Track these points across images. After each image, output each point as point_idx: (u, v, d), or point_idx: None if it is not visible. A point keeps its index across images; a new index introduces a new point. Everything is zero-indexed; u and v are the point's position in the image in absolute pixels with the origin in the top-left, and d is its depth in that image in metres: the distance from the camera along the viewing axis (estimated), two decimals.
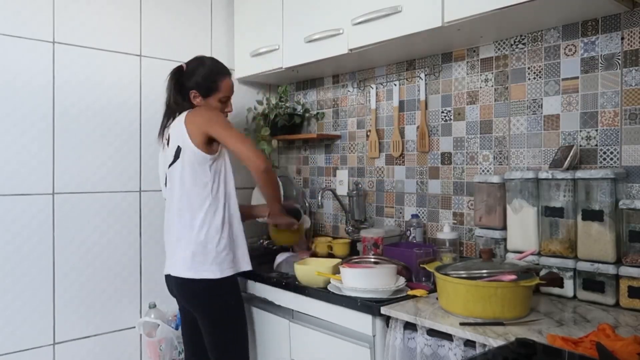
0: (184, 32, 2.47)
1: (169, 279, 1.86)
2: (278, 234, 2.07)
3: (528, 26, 1.75)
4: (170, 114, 1.92)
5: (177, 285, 1.83)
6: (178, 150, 1.79)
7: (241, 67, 2.56)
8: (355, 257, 1.84)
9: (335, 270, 1.75)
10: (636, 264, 1.43)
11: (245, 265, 1.87)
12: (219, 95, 1.91)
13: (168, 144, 1.86)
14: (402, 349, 1.46)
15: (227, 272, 1.79)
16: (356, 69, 2.42)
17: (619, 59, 1.60)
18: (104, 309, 2.22)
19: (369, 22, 1.89)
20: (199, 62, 1.92)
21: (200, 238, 1.76)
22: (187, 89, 1.89)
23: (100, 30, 2.21)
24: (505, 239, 1.74)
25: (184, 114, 1.82)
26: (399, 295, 1.59)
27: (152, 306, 2.29)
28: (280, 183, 2.06)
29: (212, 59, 1.97)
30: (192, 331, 1.93)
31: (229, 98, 1.96)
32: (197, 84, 1.88)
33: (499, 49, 1.91)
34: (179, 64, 1.97)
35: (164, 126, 1.93)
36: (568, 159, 1.60)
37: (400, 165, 2.26)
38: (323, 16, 2.10)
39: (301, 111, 2.67)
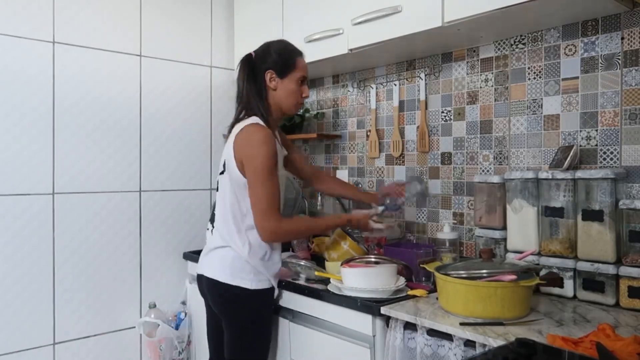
0: (184, 32, 2.48)
1: (201, 279, 1.79)
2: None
3: (528, 26, 1.75)
4: (242, 107, 1.75)
5: (210, 287, 1.75)
6: (225, 164, 1.73)
7: None
8: (356, 256, 1.84)
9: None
10: (636, 264, 1.43)
11: (276, 285, 1.80)
12: (297, 74, 1.74)
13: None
14: (402, 349, 1.46)
15: (262, 285, 1.72)
16: (356, 69, 2.42)
17: (619, 59, 1.60)
18: (104, 309, 2.22)
19: (369, 22, 1.89)
20: (269, 44, 1.77)
21: (243, 252, 1.68)
22: (262, 71, 1.72)
23: (100, 30, 2.21)
24: (505, 239, 1.74)
25: (241, 125, 1.69)
26: (399, 295, 1.59)
27: (152, 306, 2.29)
28: (303, 222, 1.89)
29: (282, 40, 1.83)
30: (218, 332, 1.83)
31: (306, 78, 1.78)
32: (273, 62, 1.72)
33: (499, 49, 1.91)
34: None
35: (234, 121, 1.77)
36: (568, 159, 1.60)
37: (400, 165, 2.27)
38: (323, 16, 2.10)
39: (301, 111, 2.67)
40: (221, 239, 1.72)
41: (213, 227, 1.78)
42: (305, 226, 1.80)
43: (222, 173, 1.75)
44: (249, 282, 1.68)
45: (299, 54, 1.78)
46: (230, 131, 1.76)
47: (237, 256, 1.68)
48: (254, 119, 1.69)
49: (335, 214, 1.82)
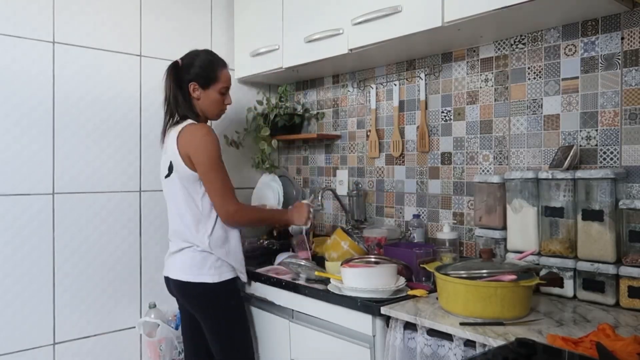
0: (184, 32, 2.47)
1: (168, 280, 1.89)
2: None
3: (528, 26, 1.75)
4: (170, 112, 1.89)
5: (177, 288, 1.86)
6: (171, 165, 1.82)
7: (241, 67, 2.56)
8: (356, 256, 1.84)
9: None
10: (636, 264, 1.43)
11: (242, 276, 1.91)
12: (219, 85, 1.88)
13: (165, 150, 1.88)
14: (402, 349, 1.46)
15: (226, 276, 1.82)
16: (356, 69, 2.42)
17: (619, 59, 1.60)
18: (104, 309, 2.22)
19: (369, 22, 1.89)
20: (195, 55, 1.90)
21: (200, 247, 1.79)
22: (186, 82, 1.86)
23: (100, 30, 2.21)
24: (505, 239, 1.74)
25: (179, 127, 1.81)
26: (399, 295, 1.59)
27: (152, 306, 2.29)
28: (260, 211, 2.06)
29: (207, 50, 1.95)
30: (193, 332, 1.94)
31: (228, 89, 1.93)
32: (196, 74, 1.85)
33: (499, 49, 1.91)
34: None
35: (165, 127, 1.92)
36: (568, 159, 1.60)
37: (400, 165, 2.26)
38: (323, 16, 2.10)
39: (301, 111, 2.67)
40: (181, 241, 1.83)
41: (172, 236, 1.90)
42: (259, 214, 1.98)
43: (167, 176, 1.85)
44: (210, 276, 1.79)
45: (222, 65, 1.91)
46: (164, 136, 1.89)
47: (197, 253, 1.79)
48: (188, 121, 1.83)
49: (283, 210, 2.02)
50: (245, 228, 2.12)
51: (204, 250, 1.78)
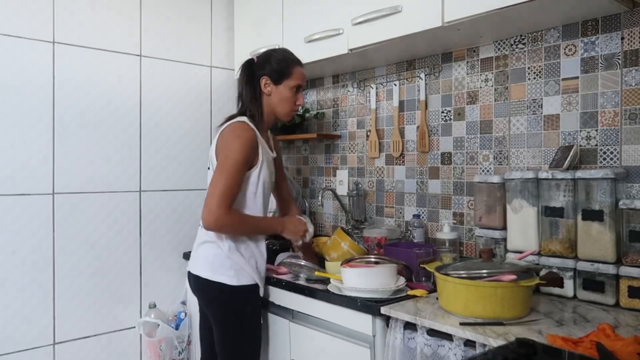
0: (184, 32, 2.48)
1: (190, 276, 1.83)
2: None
3: (528, 26, 1.75)
4: (241, 107, 1.83)
5: (195, 284, 1.80)
6: (210, 161, 1.79)
7: None
8: (356, 256, 1.84)
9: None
10: (636, 264, 1.43)
11: (261, 282, 1.81)
12: (291, 82, 1.80)
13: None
14: (402, 349, 1.46)
15: (245, 281, 1.74)
16: (356, 69, 2.42)
17: (619, 59, 1.60)
18: (104, 309, 2.22)
19: (369, 22, 1.89)
20: (271, 52, 1.85)
21: (224, 246, 1.72)
22: (257, 77, 1.80)
23: (100, 30, 2.21)
24: (505, 239, 1.74)
25: (229, 122, 1.76)
26: (399, 295, 1.59)
27: (152, 306, 2.29)
28: (248, 220, 1.79)
29: (284, 48, 1.92)
30: (208, 331, 1.87)
31: (301, 87, 1.85)
32: (270, 69, 1.79)
33: (499, 49, 1.91)
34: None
35: (225, 120, 1.83)
36: (568, 159, 1.60)
37: (400, 165, 2.26)
38: (323, 16, 2.10)
39: (301, 111, 2.67)
40: (206, 234, 1.76)
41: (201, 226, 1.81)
42: (247, 228, 1.75)
43: (210, 169, 1.81)
44: (229, 278, 1.72)
45: (297, 63, 1.85)
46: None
47: (219, 252, 1.73)
48: (241, 118, 1.76)
49: (278, 221, 1.85)
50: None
51: (229, 251, 1.72)
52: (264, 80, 1.80)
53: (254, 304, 1.79)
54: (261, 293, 1.82)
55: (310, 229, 1.89)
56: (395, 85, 2.26)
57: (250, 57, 1.86)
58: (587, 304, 1.50)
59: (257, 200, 1.76)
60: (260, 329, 1.83)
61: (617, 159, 1.61)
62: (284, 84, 1.80)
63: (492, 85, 1.93)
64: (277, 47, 2.30)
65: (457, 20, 1.64)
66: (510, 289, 1.34)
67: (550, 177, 1.59)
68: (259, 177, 1.74)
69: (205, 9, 2.55)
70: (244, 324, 1.76)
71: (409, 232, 2.10)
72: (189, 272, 1.84)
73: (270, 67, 1.80)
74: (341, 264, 1.73)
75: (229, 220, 1.65)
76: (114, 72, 2.25)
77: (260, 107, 1.81)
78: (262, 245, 1.81)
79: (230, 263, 1.72)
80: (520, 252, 1.61)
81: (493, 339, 1.21)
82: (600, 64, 1.64)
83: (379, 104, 2.35)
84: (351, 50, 2.00)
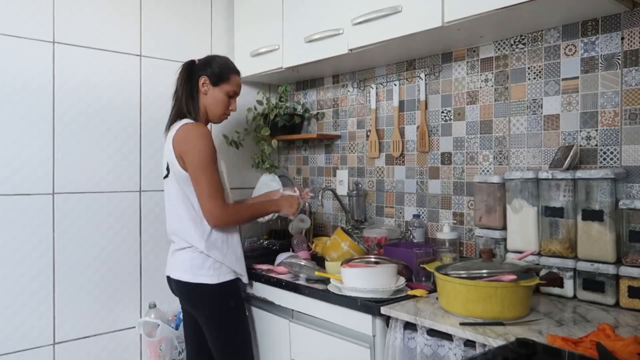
0: (184, 32, 2.47)
1: (170, 280, 1.89)
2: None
3: (528, 26, 1.75)
4: (177, 108, 1.89)
5: (177, 288, 1.86)
6: (168, 166, 1.82)
7: (241, 67, 2.52)
8: (356, 256, 1.84)
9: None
10: (636, 264, 1.43)
11: (244, 278, 1.91)
12: (228, 87, 1.89)
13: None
14: (402, 349, 1.46)
15: (225, 277, 1.81)
16: (356, 69, 2.42)
17: (619, 59, 1.60)
18: (104, 309, 2.22)
19: (369, 22, 1.89)
20: (214, 56, 1.93)
21: (201, 245, 1.78)
22: (197, 76, 1.87)
23: (100, 30, 2.21)
24: (505, 239, 1.74)
25: (177, 126, 1.80)
26: (399, 295, 1.59)
27: (152, 306, 2.29)
28: (246, 212, 1.95)
29: (227, 57, 1.98)
30: (194, 332, 1.94)
31: (236, 94, 1.94)
32: (210, 71, 1.87)
33: (499, 49, 1.91)
34: (179, 64, 1.96)
35: (170, 121, 1.90)
36: (568, 159, 1.60)
37: (400, 165, 2.26)
38: (323, 16, 2.10)
39: (301, 111, 2.67)
40: (182, 241, 1.82)
41: (172, 235, 1.89)
42: (249, 211, 1.91)
43: (166, 177, 1.86)
44: (209, 277, 1.79)
45: (236, 72, 1.94)
46: (167, 132, 1.89)
47: (196, 255, 1.79)
48: (187, 120, 1.82)
49: (273, 201, 1.98)
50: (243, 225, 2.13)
51: (202, 252, 1.78)
52: (202, 80, 1.87)
53: (237, 297, 1.88)
54: (245, 280, 1.91)
55: (299, 198, 2.01)
56: (395, 85, 2.26)
57: (191, 59, 1.93)
58: (587, 304, 1.50)
59: (225, 190, 1.85)
60: (246, 318, 1.92)
61: (617, 159, 1.61)
62: (221, 87, 1.88)
63: (492, 85, 1.93)
64: (277, 47, 2.31)
65: (457, 20, 1.64)
66: (510, 289, 1.34)
67: (550, 177, 1.59)
68: (220, 169, 1.84)
69: (205, 9, 2.55)
70: (230, 319, 1.84)
71: (409, 232, 2.11)
72: (168, 277, 1.90)
73: (211, 69, 1.87)
74: (341, 264, 1.73)
75: (227, 215, 1.76)
76: (114, 72, 2.25)
77: (196, 105, 1.87)
78: (237, 235, 1.88)
79: (210, 262, 1.79)
80: (520, 252, 1.61)
81: (493, 339, 1.21)
82: (600, 64, 1.64)
83: (379, 104, 2.35)
84: (351, 50, 2.00)
